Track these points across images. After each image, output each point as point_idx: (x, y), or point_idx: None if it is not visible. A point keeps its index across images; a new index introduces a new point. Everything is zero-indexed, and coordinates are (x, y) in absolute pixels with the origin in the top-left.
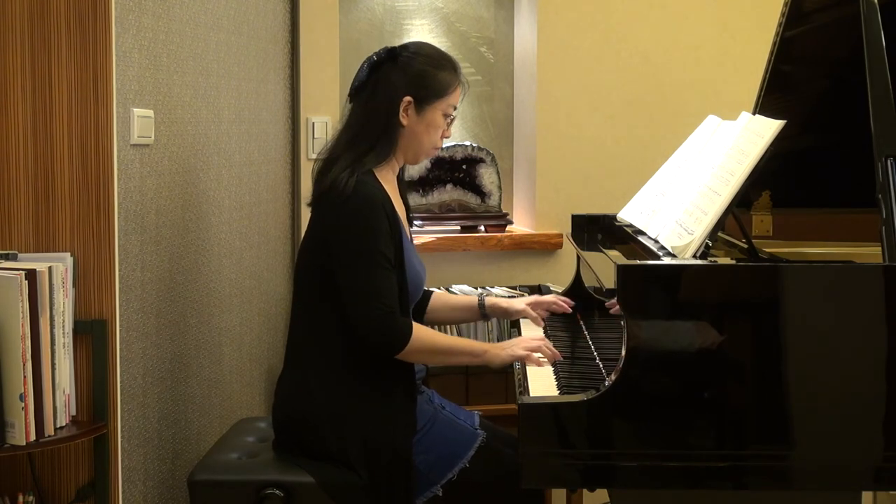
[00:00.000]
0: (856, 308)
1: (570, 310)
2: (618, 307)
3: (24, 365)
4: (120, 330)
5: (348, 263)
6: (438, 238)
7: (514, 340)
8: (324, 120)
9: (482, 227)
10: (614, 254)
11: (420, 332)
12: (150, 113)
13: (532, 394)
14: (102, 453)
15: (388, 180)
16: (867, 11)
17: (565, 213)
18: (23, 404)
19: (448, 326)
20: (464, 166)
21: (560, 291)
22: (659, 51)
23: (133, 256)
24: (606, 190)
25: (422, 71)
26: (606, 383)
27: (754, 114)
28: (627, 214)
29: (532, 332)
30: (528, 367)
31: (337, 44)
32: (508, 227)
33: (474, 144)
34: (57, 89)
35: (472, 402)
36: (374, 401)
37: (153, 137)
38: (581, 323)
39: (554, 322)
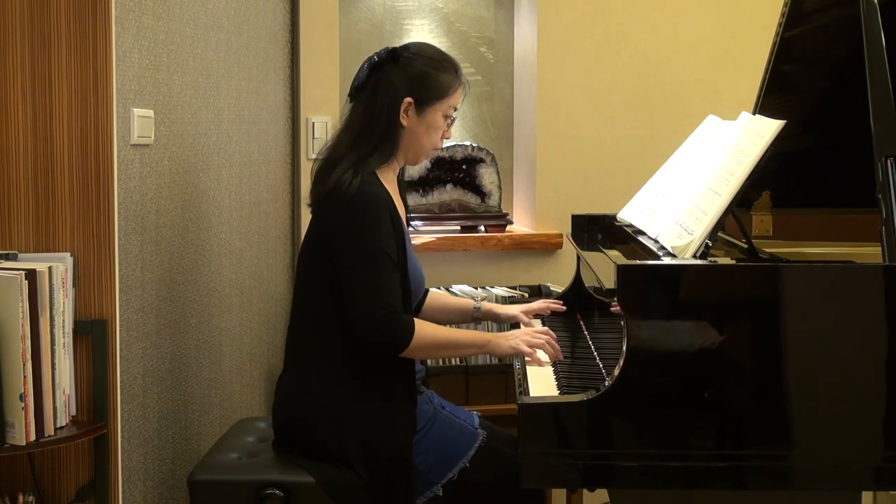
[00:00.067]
0: (856, 308)
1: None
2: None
3: (24, 365)
4: (120, 330)
5: (352, 263)
6: (438, 238)
7: (518, 331)
8: (324, 120)
9: (482, 227)
10: (614, 254)
11: (422, 328)
12: (150, 113)
13: (532, 394)
14: (102, 453)
15: (389, 181)
16: (867, 11)
17: (565, 213)
18: (23, 404)
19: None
20: (464, 166)
21: (560, 291)
22: (659, 51)
23: (133, 256)
24: (606, 190)
25: (423, 72)
26: (606, 383)
27: (754, 114)
28: (627, 214)
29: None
30: (528, 367)
31: (337, 44)
32: (508, 227)
33: (474, 144)
34: (57, 89)
35: (472, 402)
36: (374, 401)
37: (153, 137)
38: (581, 323)
39: (554, 322)
